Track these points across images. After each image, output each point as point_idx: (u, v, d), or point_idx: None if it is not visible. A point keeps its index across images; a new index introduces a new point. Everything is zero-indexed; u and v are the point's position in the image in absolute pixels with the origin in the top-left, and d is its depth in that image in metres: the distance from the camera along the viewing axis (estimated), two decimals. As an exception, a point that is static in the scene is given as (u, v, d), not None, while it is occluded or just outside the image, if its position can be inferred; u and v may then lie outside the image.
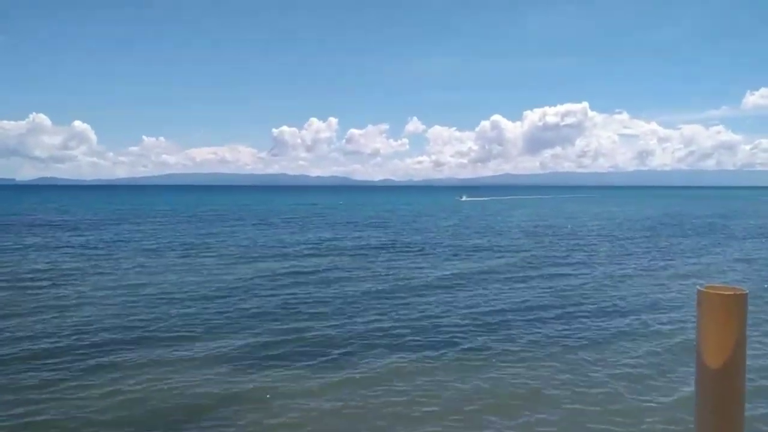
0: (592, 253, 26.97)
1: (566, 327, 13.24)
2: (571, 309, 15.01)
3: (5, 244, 30.06)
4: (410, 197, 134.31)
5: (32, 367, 10.33)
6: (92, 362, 10.59)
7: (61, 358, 10.86)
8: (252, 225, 46.04)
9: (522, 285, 18.70)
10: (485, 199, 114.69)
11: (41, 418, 8.26)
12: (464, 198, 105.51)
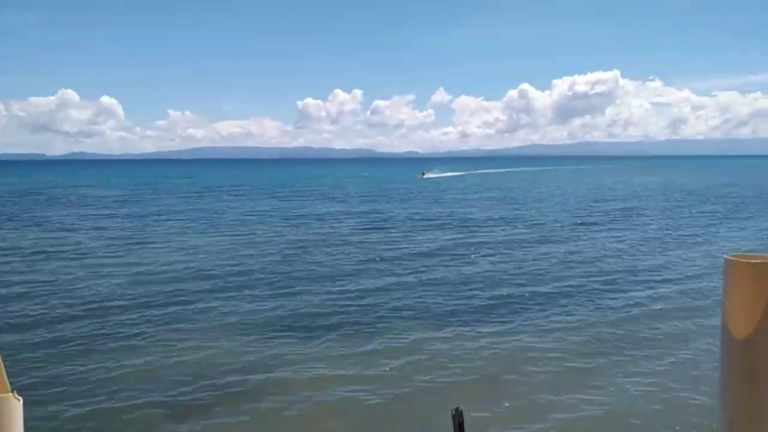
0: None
1: (594, 297, 13.45)
2: (600, 281, 15.16)
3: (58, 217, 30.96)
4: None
5: (65, 333, 10.65)
6: (124, 327, 10.91)
7: (81, 323, 11.22)
8: (278, 198, 46.65)
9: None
10: (455, 174, 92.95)
11: (64, 384, 8.50)
12: (427, 175, 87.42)
